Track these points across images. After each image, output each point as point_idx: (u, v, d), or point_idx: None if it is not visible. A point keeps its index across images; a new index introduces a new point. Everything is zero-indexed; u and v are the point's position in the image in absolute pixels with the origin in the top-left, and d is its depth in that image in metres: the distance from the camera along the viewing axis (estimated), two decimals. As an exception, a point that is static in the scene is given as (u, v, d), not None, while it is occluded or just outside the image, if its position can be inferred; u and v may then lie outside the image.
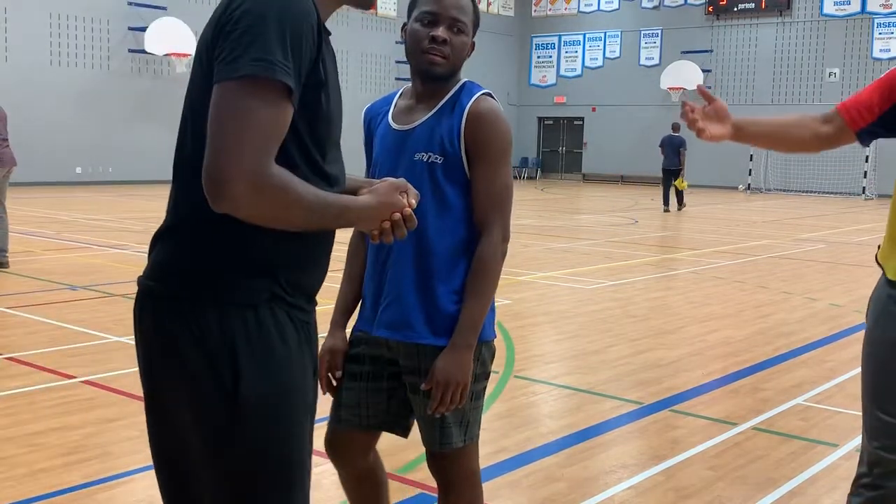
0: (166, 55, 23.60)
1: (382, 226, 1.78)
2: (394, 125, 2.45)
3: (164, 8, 23.83)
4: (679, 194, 19.54)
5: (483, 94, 2.41)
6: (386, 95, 2.60)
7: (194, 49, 1.75)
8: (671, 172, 19.48)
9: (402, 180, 1.85)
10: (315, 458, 4.29)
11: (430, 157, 2.37)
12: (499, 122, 2.38)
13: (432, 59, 2.34)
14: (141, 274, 1.79)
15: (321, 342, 2.10)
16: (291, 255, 1.73)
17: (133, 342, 1.83)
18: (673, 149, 19.32)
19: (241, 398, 1.65)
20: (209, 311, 1.66)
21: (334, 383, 2.54)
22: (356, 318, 2.58)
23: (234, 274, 1.68)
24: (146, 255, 1.82)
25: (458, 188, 2.38)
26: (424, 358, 2.40)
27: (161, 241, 1.76)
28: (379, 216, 1.77)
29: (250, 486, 1.69)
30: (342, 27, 27.33)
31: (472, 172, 2.37)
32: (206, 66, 1.63)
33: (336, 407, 2.54)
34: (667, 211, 19.51)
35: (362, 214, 1.76)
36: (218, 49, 1.59)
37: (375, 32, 29.02)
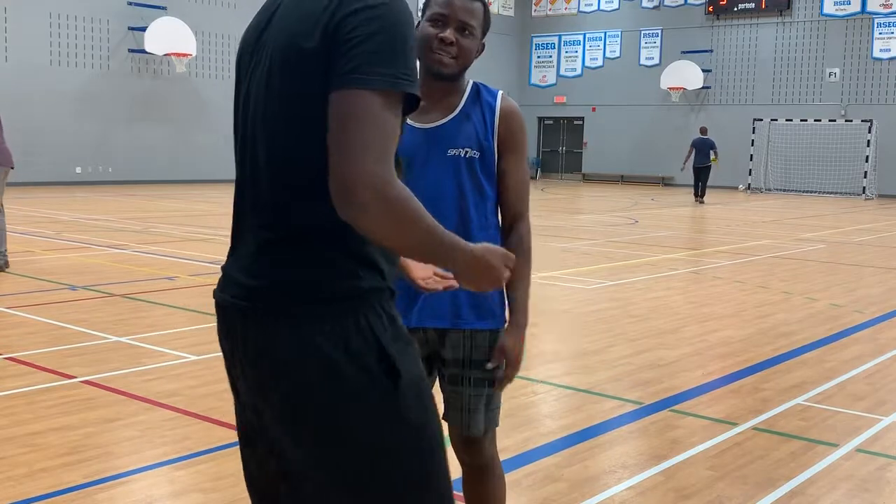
0: (166, 55, 23.59)
1: (476, 285, 1.74)
2: (414, 123, 2.53)
3: (164, 8, 23.83)
4: (704, 188, 22.87)
5: (502, 93, 2.60)
6: None
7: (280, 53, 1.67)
8: (702, 170, 22.69)
9: (510, 254, 1.80)
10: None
11: (467, 152, 2.51)
12: (523, 118, 2.59)
13: (440, 59, 2.43)
14: (226, 290, 1.73)
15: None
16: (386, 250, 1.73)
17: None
18: (704, 149, 22.59)
19: (401, 393, 1.66)
20: (350, 322, 1.64)
21: None
22: None
23: (362, 278, 1.67)
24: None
25: (491, 181, 2.56)
26: (473, 344, 2.55)
27: (270, 254, 1.68)
28: (485, 277, 1.73)
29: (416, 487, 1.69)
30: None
31: (502, 164, 2.56)
32: (314, 70, 1.60)
33: None
34: (701, 203, 22.51)
35: (470, 264, 1.70)
36: (339, 55, 1.58)
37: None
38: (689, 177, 23.47)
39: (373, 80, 1.56)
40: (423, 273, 2.25)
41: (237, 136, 1.80)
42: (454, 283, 2.15)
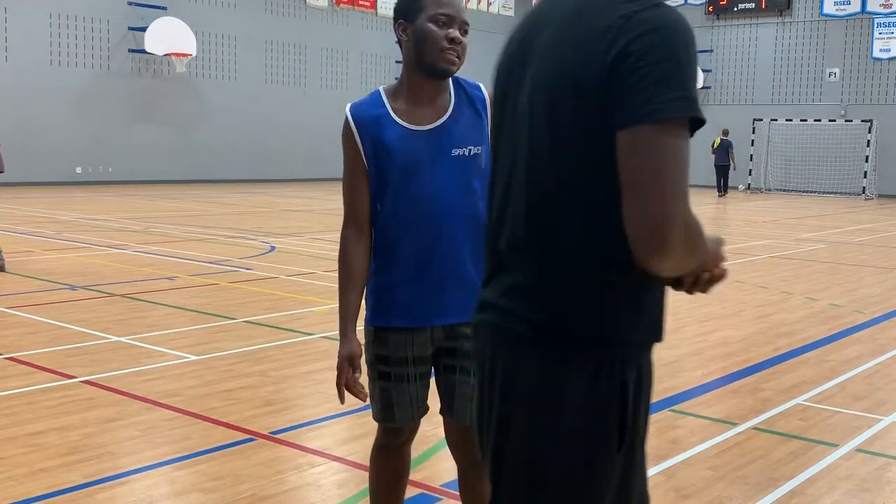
0: (166, 55, 23.59)
1: (704, 276, 1.67)
2: (410, 126, 2.49)
3: (164, 8, 23.83)
4: (726, 185, 25.83)
5: (481, 84, 2.58)
6: (367, 97, 2.59)
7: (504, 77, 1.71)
8: (722, 167, 25.78)
9: (723, 240, 1.76)
10: (314, 458, 4.27)
11: (470, 150, 2.50)
12: None
13: (451, 59, 2.44)
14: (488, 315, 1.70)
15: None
16: None
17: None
18: (723, 149, 25.73)
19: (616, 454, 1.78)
20: (606, 370, 1.65)
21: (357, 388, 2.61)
22: (376, 314, 2.61)
23: (636, 329, 1.66)
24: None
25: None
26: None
27: (543, 287, 1.62)
28: (711, 262, 1.68)
29: None
30: (342, 27, 27.29)
31: None
32: (594, 103, 1.51)
33: (387, 408, 2.63)
34: (720, 196, 25.47)
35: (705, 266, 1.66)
36: (627, 87, 1.48)
37: (375, 32, 29.02)
38: (690, 177, 23.71)
39: (667, 108, 1.45)
40: None
41: (497, 164, 1.75)
42: None
